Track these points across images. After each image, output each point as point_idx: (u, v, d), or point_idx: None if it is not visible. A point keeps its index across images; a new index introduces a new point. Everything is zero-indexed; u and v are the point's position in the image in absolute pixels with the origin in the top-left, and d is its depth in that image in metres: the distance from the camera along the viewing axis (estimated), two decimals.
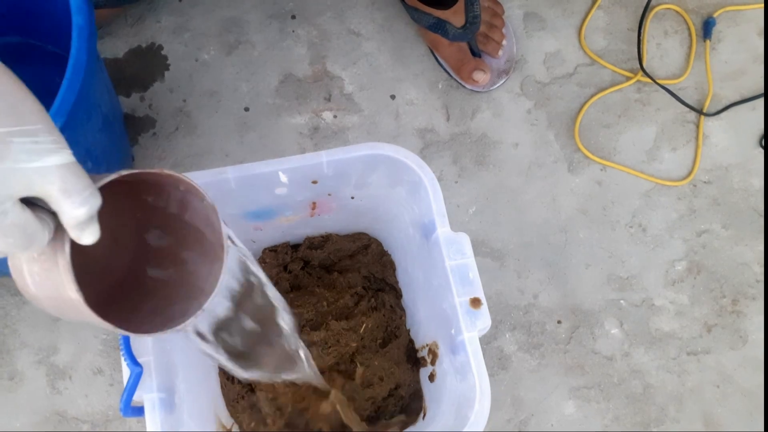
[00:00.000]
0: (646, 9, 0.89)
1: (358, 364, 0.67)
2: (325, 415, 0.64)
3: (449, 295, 0.59)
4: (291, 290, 0.74)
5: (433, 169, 0.82)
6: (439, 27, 0.83)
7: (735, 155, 0.86)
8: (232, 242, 0.45)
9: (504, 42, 0.86)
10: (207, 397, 0.69)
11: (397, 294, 0.74)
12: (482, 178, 0.84)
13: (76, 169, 0.33)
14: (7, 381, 0.74)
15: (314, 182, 0.65)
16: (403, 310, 0.74)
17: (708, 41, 0.90)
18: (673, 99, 0.87)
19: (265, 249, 0.75)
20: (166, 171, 0.39)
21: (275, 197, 0.66)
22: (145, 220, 0.46)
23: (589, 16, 0.91)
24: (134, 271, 0.47)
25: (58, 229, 0.34)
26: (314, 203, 0.70)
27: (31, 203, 0.33)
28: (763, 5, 0.92)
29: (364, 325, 0.69)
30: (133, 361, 0.54)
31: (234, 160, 0.83)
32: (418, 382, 0.71)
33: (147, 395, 0.54)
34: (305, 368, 0.56)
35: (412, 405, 0.70)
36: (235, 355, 0.52)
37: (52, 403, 0.74)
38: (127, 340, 0.54)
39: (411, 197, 0.66)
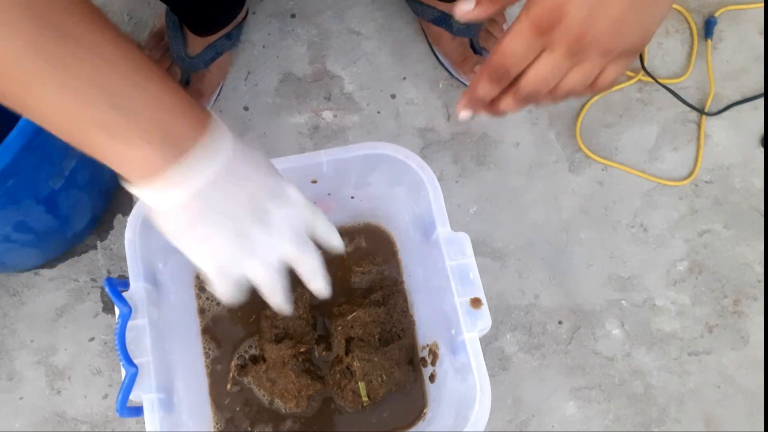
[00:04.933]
0: None
1: (356, 360, 0.67)
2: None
3: (449, 295, 0.58)
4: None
5: (434, 168, 0.82)
6: (443, 21, 0.82)
7: (736, 155, 0.86)
8: None
9: None
10: (205, 397, 0.69)
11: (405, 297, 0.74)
12: (483, 178, 0.83)
13: None
14: (6, 381, 0.74)
15: (314, 182, 0.65)
16: (411, 316, 0.73)
17: (709, 40, 0.90)
18: (675, 98, 0.86)
19: None
20: None
21: None
22: None
23: None
24: None
25: None
26: (314, 203, 0.69)
27: None
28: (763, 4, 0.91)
29: (354, 314, 0.68)
30: (129, 361, 0.53)
31: None
32: (421, 383, 0.70)
33: (146, 395, 0.54)
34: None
35: (412, 405, 0.70)
36: None
37: (51, 404, 0.74)
38: (122, 341, 0.54)
39: (411, 197, 0.66)
